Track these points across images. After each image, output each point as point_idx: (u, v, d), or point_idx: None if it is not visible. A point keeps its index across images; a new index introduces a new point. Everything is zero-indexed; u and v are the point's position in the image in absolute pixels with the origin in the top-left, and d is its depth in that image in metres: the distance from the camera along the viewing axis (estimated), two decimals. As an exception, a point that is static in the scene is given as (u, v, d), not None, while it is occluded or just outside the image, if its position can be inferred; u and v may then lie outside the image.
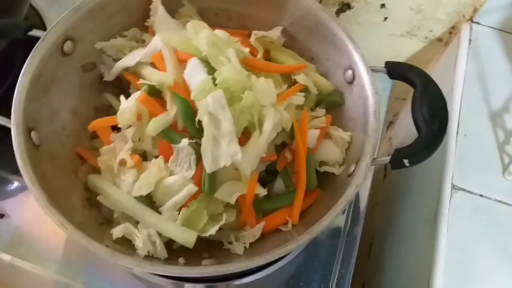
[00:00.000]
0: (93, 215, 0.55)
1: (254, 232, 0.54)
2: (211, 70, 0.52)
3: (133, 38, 0.65)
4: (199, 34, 0.52)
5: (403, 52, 0.96)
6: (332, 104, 0.62)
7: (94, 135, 0.61)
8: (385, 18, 0.90)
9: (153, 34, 0.64)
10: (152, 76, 0.55)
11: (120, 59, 0.63)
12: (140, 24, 0.65)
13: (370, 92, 0.55)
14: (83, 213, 0.53)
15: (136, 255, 0.50)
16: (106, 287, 0.60)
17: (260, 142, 0.50)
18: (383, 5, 0.87)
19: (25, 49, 0.68)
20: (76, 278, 0.60)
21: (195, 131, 0.52)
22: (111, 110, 0.64)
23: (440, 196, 0.63)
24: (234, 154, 0.48)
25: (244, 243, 0.54)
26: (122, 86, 0.65)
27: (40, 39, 0.55)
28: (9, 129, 0.50)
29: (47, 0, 0.82)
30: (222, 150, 0.48)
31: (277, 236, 0.55)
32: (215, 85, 0.50)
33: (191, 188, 0.51)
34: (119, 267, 0.61)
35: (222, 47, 0.51)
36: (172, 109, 0.53)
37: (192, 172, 0.51)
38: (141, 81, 0.55)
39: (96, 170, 0.58)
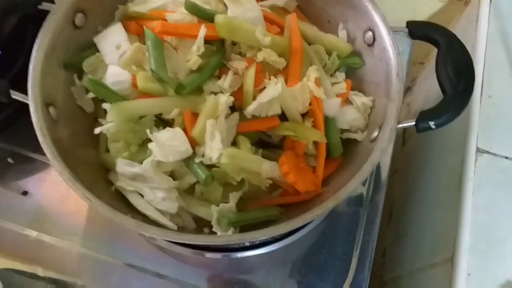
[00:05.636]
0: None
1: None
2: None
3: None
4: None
5: (421, 13, 0.92)
6: (351, 66, 0.60)
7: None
8: (404, -21, 0.86)
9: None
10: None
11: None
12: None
13: (392, 53, 0.53)
14: (106, 188, 0.52)
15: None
16: (131, 258, 0.61)
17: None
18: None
19: (37, 25, 0.67)
20: (101, 250, 0.61)
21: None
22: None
23: (464, 160, 0.61)
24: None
25: (267, 212, 0.53)
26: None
27: (51, 12, 0.54)
28: (27, 106, 0.49)
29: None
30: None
31: (301, 205, 0.55)
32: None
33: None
34: (142, 239, 0.62)
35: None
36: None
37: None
38: None
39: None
